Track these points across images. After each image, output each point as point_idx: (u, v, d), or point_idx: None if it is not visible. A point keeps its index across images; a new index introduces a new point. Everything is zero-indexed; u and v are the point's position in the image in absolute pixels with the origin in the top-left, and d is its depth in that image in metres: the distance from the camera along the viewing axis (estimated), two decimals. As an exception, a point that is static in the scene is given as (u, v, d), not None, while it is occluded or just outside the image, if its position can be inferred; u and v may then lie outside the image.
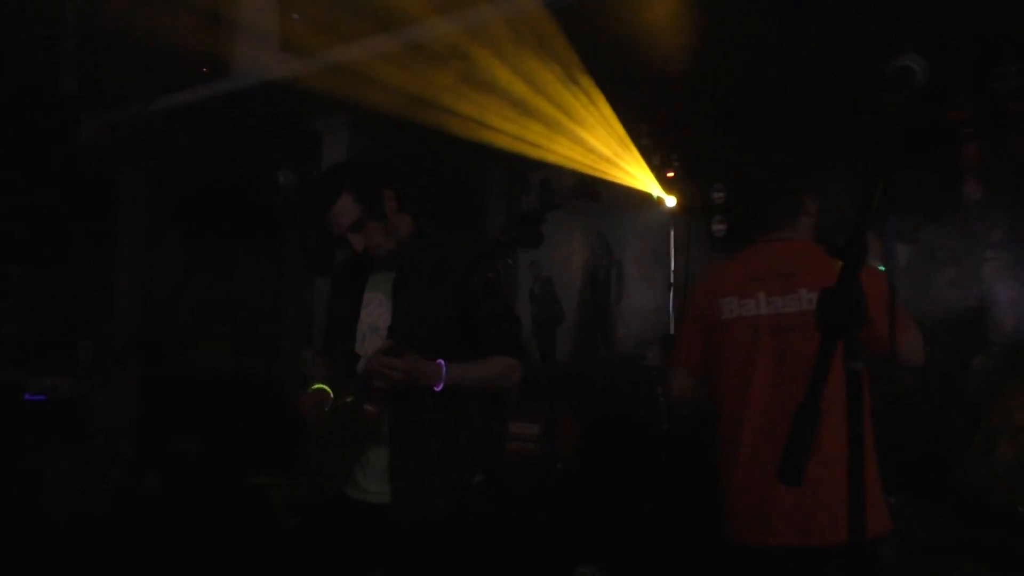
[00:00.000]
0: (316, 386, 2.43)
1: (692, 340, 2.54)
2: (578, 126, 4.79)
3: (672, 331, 5.64)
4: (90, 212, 5.86)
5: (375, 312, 2.40)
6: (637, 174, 5.39)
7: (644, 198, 5.61)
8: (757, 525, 2.26)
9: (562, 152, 5.07)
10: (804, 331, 2.22)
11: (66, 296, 6.21)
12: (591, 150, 5.06)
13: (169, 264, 6.71)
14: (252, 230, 7.28)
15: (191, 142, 5.88)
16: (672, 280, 5.75)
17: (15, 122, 4.98)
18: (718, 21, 3.89)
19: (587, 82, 4.34)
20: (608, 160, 5.17)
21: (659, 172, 5.51)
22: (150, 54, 4.86)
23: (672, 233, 5.75)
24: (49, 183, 5.14)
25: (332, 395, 2.39)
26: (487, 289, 2.33)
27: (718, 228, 5.40)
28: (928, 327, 4.56)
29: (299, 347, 7.28)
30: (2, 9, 4.92)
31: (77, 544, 4.65)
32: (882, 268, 2.65)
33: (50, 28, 5.23)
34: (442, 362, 2.20)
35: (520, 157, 5.05)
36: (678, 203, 5.60)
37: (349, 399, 2.33)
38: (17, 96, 5.00)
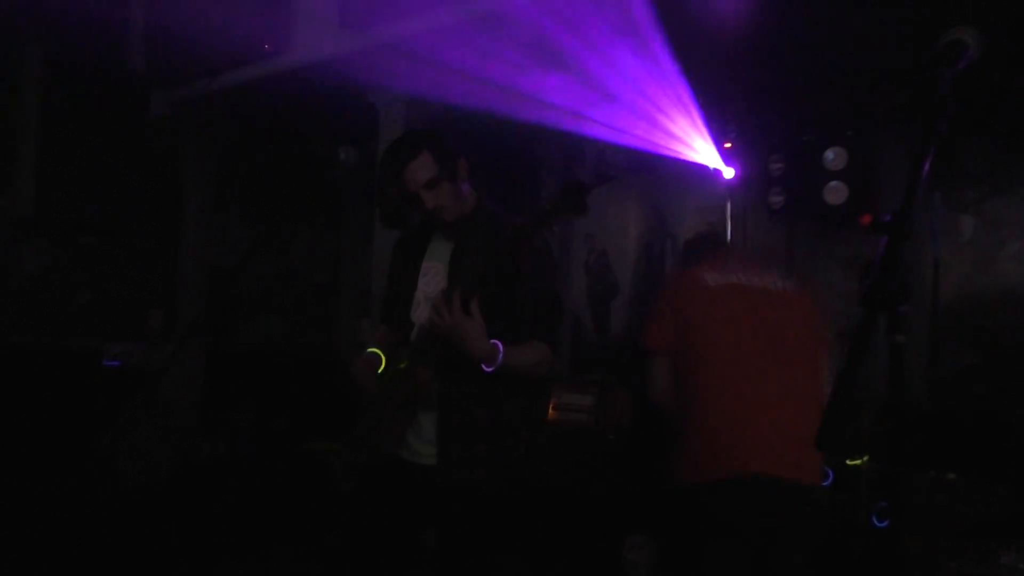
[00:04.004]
0: (370, 350, 2.52)
1: (665, 324, 2.84)
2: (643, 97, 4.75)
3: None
4: (158, 186, 6.06)
5: (432, 281, 2.47)
6: (695, 145, 5.33)
7: (700, 170, 5.55)
8: (743, 456, 2.57)
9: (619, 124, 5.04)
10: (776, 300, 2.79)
11: (136, 266, 6.46)
12: (652, 121, 5.01)
13: (232, 238, 6.91)
14: (312, 204, 7.43)
15: (253, 118, 6.02)
16: (728, 253, 5.70)
17: (88, 100, 5.17)
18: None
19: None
20: (667, 131, 5.12)
21: (715, 143, 5.44)
22: (213, 32, 4.98)
23: (728, 205, 5.69)
24: (120, 159, 5.33)
25: (385, 359, 2.47)
26: (536, 267, 2.36)
27: (775, 200, 5.32)
28: (993, 302, 4.48)
29: (356, 319, 7.44)
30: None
31: (149, 506, 4.88)
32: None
33: (118, 7, 5.39)
34: (499, 344, 2.24)
35: (576, 131, 5.04)
36: (735, 175, 5.53)
37: (403, 364, 2.40)
38: (89, 74, 5.19)
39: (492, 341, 2.23)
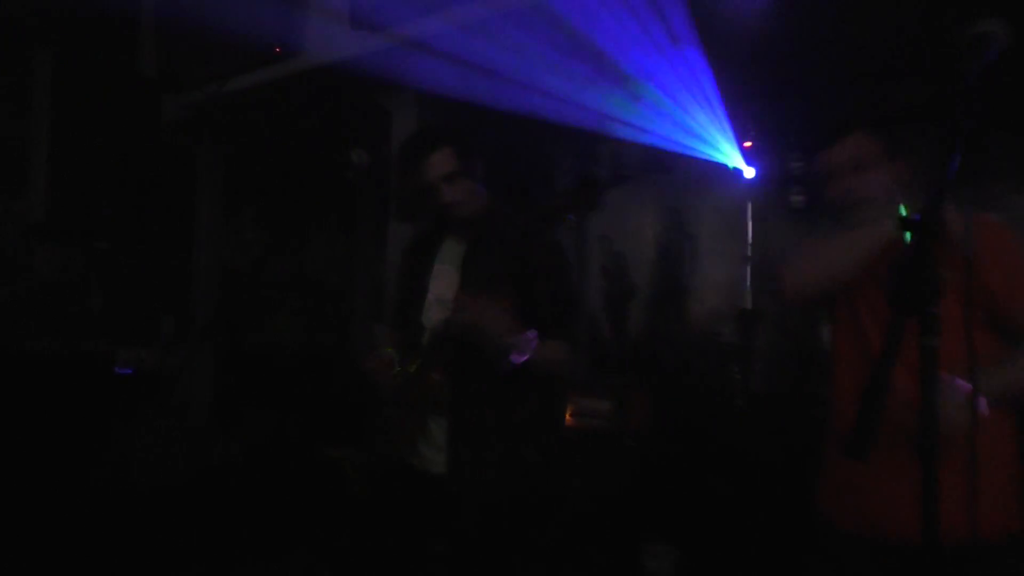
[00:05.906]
0: (384, 351, 2.48)
1: None
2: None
3: (750, 306, 5.50)
4: (170, 190, 6.07)
5: (443, 284, 2.42)
6: (715, 144, 5.25)
7: (719, 169, 5.47)
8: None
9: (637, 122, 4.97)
10: None
11: (148, 271, 6.47)
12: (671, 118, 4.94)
13: (245, 241, 6.91)
14: (325, 207, 7.42)
15: (265, 121, 6.00)
16: (749, 253, 5.60)
17: (99, 104, 5.18)
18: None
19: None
20: (689, 129, 5.04)
21: (736, 142, 5.36)
22: (225, 35, 4.97)
23: (749, 206, 5.59)
24: (132, 163, 5.34)
25: (398, 362, 2.42)
26: (551, 266, 2.30)
27: (796, 199, 5.22)
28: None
29: (370, 322, 7.41)
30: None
31: (161, 509, 4.87)
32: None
33: (129, 12, 5.40)
34: (533, 334, 2.17)
35: (593, 129, 4.97)
36: (755, 174, 5.43)
37: (413, 368, 2.35)
38: (100, 78, 5.20)
39: (527, 333, 2.16)
